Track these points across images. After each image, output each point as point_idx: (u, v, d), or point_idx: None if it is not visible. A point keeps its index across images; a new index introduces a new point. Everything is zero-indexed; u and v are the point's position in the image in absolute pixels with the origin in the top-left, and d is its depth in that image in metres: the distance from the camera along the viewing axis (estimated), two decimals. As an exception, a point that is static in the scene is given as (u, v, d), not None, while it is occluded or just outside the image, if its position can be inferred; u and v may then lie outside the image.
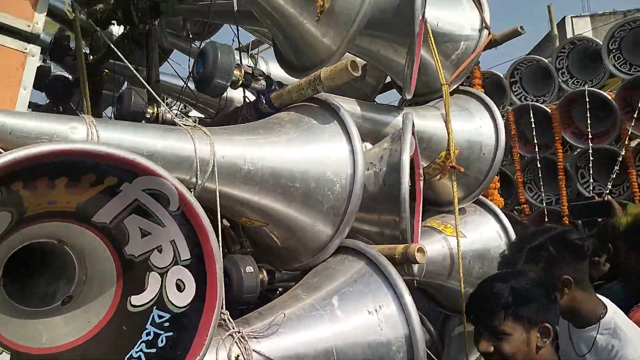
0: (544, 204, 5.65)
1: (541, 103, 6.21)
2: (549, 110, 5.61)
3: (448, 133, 2.36)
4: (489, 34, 2.56)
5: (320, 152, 1.63)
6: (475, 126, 2.45)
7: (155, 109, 2.11)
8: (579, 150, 5.61)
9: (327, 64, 1.79)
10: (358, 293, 1.48)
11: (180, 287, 1.18)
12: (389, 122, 2.19)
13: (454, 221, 2.49)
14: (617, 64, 5.66)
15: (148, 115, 2.11)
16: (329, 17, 1.71)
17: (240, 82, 1.79)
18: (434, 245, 2.34)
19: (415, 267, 2.17)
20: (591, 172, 5.42)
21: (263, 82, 1.86)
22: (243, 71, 1.79)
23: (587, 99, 5.25)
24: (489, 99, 2.52)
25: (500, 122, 2.45)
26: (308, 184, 1.59)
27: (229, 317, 1.34)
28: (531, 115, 5.67)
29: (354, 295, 1.47)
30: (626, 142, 5.10)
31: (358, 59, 1.63)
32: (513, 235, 2.46)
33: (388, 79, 2.97)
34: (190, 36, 3.01)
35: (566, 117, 5.64)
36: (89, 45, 3.39)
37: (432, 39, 2.43)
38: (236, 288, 1.63)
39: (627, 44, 5.67)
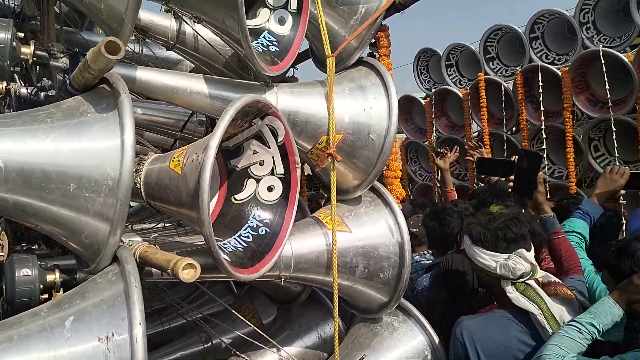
0: (548, 178, 5.16)
1: (563, 63, 5.56)
2: (559, 73, 4.99)
3: (329, 115, 2.06)
4: (393, -5, 2.17)
5: (86, 148, 1.42)
6: (366, 107, 2.12)
7: (4, 85, 1.95)
8: (594, 119, 4.99)
9: (121, 34, 1.55)
10: (98, 314, 1.29)
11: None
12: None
13: (342, 213, 2.24)
14: (650, 18, 4.89)
15: (-6, 92, 1.95)
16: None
17: (31, 61, 1.58)
18: (311, 240, 2.10)
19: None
20: (608, 145, 4.82)
21: (66, 60, 1.65)
22: (32, 49, 1.58)
23: (603, 61, 4.59)
24: (388, 73, 2.16)
25: (395, 103, 2.10)
26: (67, 184, 1.39)
27: None
28: (539, 78, 5.09)
29: (92, 317, 1.29)
30: (644, 112, 4.46)
31: (119, 40, 1.37)
32: (406, 233, 2.16)
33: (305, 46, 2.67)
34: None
35: (581, 81, 5.00)
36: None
37: (319, 2, 2.12)
38: (9, 292, 1.50)
39: (665, -5, 4.87)
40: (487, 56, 6.25)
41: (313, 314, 2.57)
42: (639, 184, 2.53)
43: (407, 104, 6.99)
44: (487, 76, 5.79)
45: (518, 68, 5.52)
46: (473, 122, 6.06)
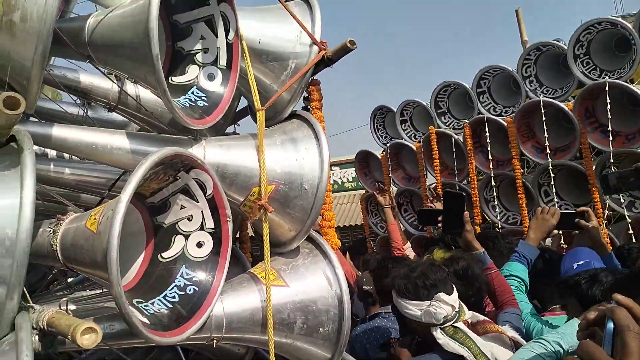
0: (499, 224, 5.22)
1: (510, 114, 5.76)
2: (505, 123, 5.16)
3: (260, 167, 2.04)
4: (320, 50, 2.22)
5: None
6: (298, 157, 2.11)
7: None
8: (541, 166, 5.12)
9: (29, 91, 1.51)
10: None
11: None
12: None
13: (279, 267, 2.17)
14: (586, 70, 5.15)
15: None
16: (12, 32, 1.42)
17: None
18: (244, 297, 2.01)
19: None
20: (554, 189, 4.93)
21: (-26, 119, 1.59)
22: None
23: (543, 110, 4.78)
24: (319, 124, 2.17)
25: (326, 153, 2.10)
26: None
27: None
28: (486, 129, 5.25)
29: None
30: (589, 157, 4.61)
31: (18, 95, 1.33)
32: (344, 283, 2.10)
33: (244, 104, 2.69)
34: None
35: (526, 130, 5.18)
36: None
37: (249, 58, 2.15)
38: None
39: (597, 48, 5.17)
40: (438, 111, 6.43)
41: (258, 377, 2.43)
42: (569, 224, 2.56)
43: (364, 159, 7.07)
44: (438, 129, 5.94)
45: (467, 121, 5.70)
46: (428, 173, 6.14)
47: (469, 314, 2.02)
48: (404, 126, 6.84)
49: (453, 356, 1.92)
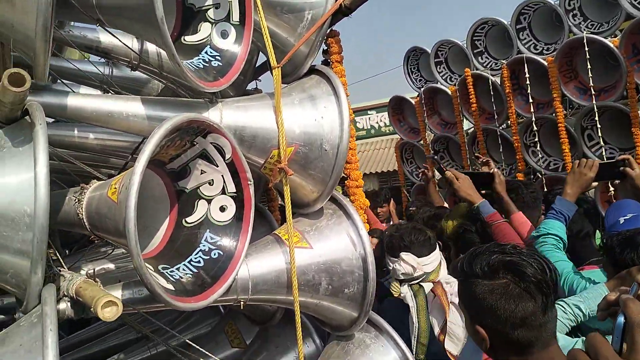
0: (542, 171, 5.01)
1: (552, 52, 5.43)
2: (545, 63, 4.86)
3: (278, 128, 1.99)
4: (338, -1, 2.09)
5: (4, 182, 1.36)
6: (317, 116, 2.03)
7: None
8: (584, 108, 4.84)
9: (36, 63, 1.49)
10: (13, 361, 1.23)
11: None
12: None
13: (303, 228, 2.16)
14: (635, 0, 4.75)
15: None
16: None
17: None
18: (269, 260, 2.01)
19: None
20: (599, 133, 4.68)
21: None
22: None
23: (587, 47, 4.46)
24: (338, 80, 2.08)
25: (345, 111, 2.02)
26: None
27: None
28: (526, 69, 4.96)
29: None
30: (634, 98, 4.31)
31: (23, 71, 1.31)
32: (368, 245, 2.07)
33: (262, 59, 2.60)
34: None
35: (568, 70, 4.87)
36: None
37: (262, 11, 2.05)
38: None
39: (649, -24, 4.73)
40: (475, 51, 6.14)
41: (290, 332, 2.49)
42: (610, 175, 2.42)
43: (398, 105, 6.90)
44: (474, 71, 5.68)
45: (505, 61, 5.41)
46: (464, 118, 5.95)
47: (444, 277, 2.28)
48: (439, 68, 6.59)
49: (403, 306, 2.27)
